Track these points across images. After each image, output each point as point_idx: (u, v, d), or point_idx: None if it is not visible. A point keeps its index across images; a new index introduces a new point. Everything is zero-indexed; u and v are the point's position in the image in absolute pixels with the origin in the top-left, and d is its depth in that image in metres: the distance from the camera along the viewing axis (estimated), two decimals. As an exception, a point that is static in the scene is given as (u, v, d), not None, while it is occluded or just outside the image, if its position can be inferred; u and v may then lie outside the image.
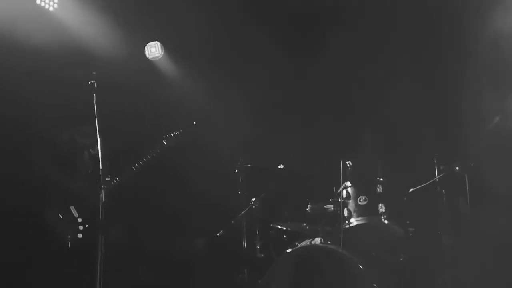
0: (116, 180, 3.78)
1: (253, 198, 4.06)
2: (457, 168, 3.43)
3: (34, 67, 4.01)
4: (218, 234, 4.01)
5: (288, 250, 3.60)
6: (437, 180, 3.49)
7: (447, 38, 4.17)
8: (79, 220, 3.69)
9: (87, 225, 3.68)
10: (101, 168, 3.14)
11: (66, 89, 3.94)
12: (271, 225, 4.02)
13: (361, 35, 4.38)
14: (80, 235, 3.66)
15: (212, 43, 4.74)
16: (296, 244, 3.69)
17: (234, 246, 4.09)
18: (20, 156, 3.88)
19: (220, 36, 4.70)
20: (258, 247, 4.01)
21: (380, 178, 3.64)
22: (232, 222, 4.03)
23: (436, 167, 3.52)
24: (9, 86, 3.93)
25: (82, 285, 3.11)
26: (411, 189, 3.61)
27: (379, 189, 3.60)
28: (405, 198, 3.63)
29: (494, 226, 3.47)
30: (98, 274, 2.89)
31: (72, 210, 3.71)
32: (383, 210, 3.53)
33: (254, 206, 4.04)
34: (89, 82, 3.33)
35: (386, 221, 3.53)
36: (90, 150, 3.33)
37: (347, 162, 3.71)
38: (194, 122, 4.15)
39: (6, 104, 3.91)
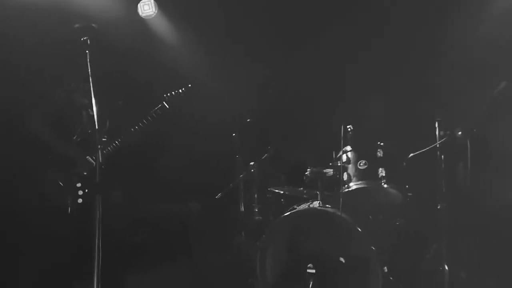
0: (116, 143, 3.68)
1: (251, 162, 4.04)
2: (459, 133, 3.39)
3: (26, 26, 3.84)
4: (216, 197, 3.99)
5: (286, 213, 3.60)
6: (438, 145, 3.46)
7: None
8: (78, 185, 3.61)
9: (86, 190, 3.60)
10: (97, 128, 3.04)
11: (60, 48, 3.79)
12: (269, 189, 4.01)
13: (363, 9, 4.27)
14: (80, 200, 3.59)
15: (210, 3, 4.57)
16: (295, 207, 3.68)
17: (231, 209, 4.09)
18: (15, 118, 3.76)
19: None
20: (255, 210, 4.01)
21: (380, 142, 3.61)
22: (230, 185, 4.01)
23: (437, 132, 3.49)
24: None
25: (82, 250, 3.07)
26: (411, 154, 3.59)
27: (380, 153, 3.57)
28: (405, 163, 3.61)
29: (493, 195, 3.49)
30: (97, 236, 2.85)
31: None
32: (383, 175, 3.52)
33: (252, 170, 4.02)
34: (82, 39, 3.19)
35: (385, 185, 3.51)
36: (89, 110, 3.19)
37: (348, 127, 3.67)
38: (190, 85, 4.02)
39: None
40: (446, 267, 3.43)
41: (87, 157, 3.65)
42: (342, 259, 3.37)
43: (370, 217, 3.74)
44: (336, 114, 3.96)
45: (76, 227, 3.47)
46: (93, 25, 3.28)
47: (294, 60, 4.55)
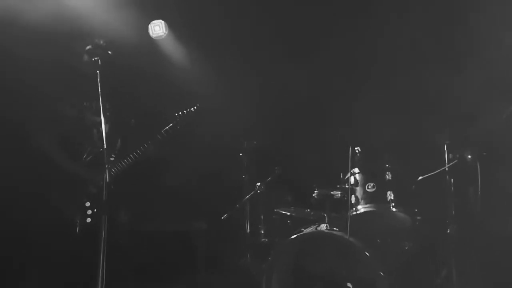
0: (124, 162, 3.68)
1: (258, 182, 4.02)
2: (469, 156, 3.36)
3: (39, 47, 3.91)
4: (222, 218, 3.97)
5: (293, 236, 3.56)
6: (447, 168, 3.43)
7: (462, 20, 4.07)
8: (87, 204, 3.61)
9: (95, 210, 3.59)
10: (105, 147, 3.05)
11: (72, 68, 3.84)
12: (275, 210, 3.98)
13: (374, 20, 4.29)
14: (88, 220, 3.59)
15: (218, 24, 4.63)
16: (302, 229, 3.64)
17: (238, 230, 4.05)
18: (26, 137, 3.80)
19: (226, 17, 4.60)
20: (262, 232, 3.97)
21: (389, 165, 3.57)
22: (237, 206, 3.98)
23: (446, 155, 3.45)
24: (12, 66, 3.85)
25: (90, 268, 3.06)
26: (420, 177, 3.55)
27: (388, 176, 3.53)
28: (414, 186, 3.57)
29: (504, 219, 3.42)
30: (102, 255, 2.84)
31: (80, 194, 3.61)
32: (392, 198, 3.47)
33: (258, 191, 4.00)
34: (93, 59, 3.24)
35: (394, 209, 3.47)
36: (100, 128, 3.21)
37: (355, 148, 3.64)
38: (198, 104, 4.04)
39: (11, 84, 3.83)
40: (457, 293, 3.36)
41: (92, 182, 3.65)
42: (349, 285, 3.31)
43: (378, 240, 3.68)
44: (344, 135, 3.94)
45: (84, 246, 3.46)
46: (103, 44, 3.34)
47: (302, 79, 4.56)
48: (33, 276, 3.71)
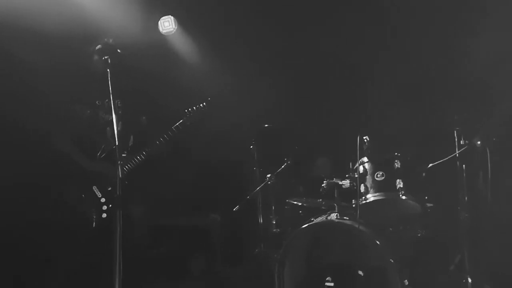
0: (137, 158, 3.77)
1: (269, 174, 4.06)
2: (478, 142, 3.33)
3: (51, 49, 4.00)
4: (234, 210, 4.03)
5: (304, 225, 3.60)
6: (457, 155, 3.40)
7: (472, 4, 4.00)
8: (103, 200, 3.72)
9: (110, 205, 3.70)
10: (117, 144, 3.13)
11: (84, 68, 3.92)
12: (287, 200, 4.02)
13: (381, 9, 4.25)
14: (104, 215, 3.70)
15: (227, 16, 4.66)
16: (312, 219, 3.68)
17: (250, 221, 4.11)
18: (41, 135, 3.91)
19: (236, 11, 4.62)
20: (273, 222, 4.02)
21: (398, 153, 3.57)
22: (248, 197, 4.04)
23: (456, 142, 3.42)
24: (25, 68, 3.95)
25: (105, 264, 3.16)
26: (430, 164, 3.53)
27: (397, 164, 3.52)
28: (424, 174, 3.55)
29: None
30: (117, 250, 2.93)
31: (95, 190, 3.73)
32: (401, 186, 3.46)
33: (269, 182, 4.04)
34: (103, 58, 3.31)
35: (403, 197, 3.47)
36: (112, 126, 3.30)
37: (364, 137, 3.64)
38: (209, 98, 4.09)
39: (24, 84, 3.94)
40: (470, 280, 3.37)
41: (94, 187, 3.75)
42: (360, 272, 3.34)
43: (391, 229, 3.69)
44: (352, 124, 3.94)
45: (100, 241, 3.57)
46: (113, 44, 3.40)
47: (311, 70, 4.56)
48: (52, 271, 3.84)
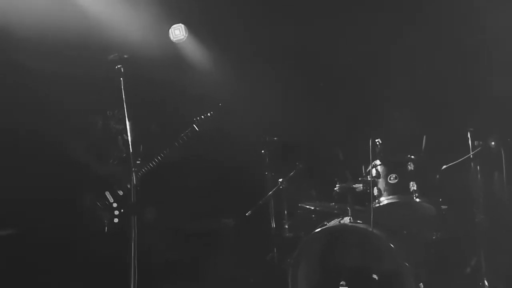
0: (149, 165, 3.83)
1: (280, 178, 4.06)
2: (493, 143, 3.29)
3: (64, 60, 4.07)
4: (246, 214, 4.03)
5: (317, 229, 3.58)
6: (471, 156, 3.37)
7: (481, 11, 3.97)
8: (115, 205, 3.77)
9: (122, 210, 3.75)
10: (131, 151, 3.17)
11: (97, 78, 3.99)
12: (299, 204, 4.01)
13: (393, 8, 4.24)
14: (116, 220, 3.75)
15: (237, 26, 4.69)
16: (325, 223, 3.66)
17: (262, 226, 4.11)
18: (55, 144, 3.98)
19: (246, 18, 4.65)
20: (286, 227, 4.01)
21: (411, 155, 3.54)
22: (260, 202, 4.04)
23: (470, 143, 3.39)
24: (40, 76, 4.03)
25: (119, 268, 3.19)
26: (444, 166, 3.50)
27: (410, 166, 3.50)
28: (438, 176, 3.52)
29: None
30: (133, 254, 2.96)
31: (107, 195, 3.80)
32: (415, 188, 3.44)
33: (281, 186, 4.04)
34: (116, 67, 3.36)
35: (417, 199, 3.44)
36: (124, 135, 3.39)
37: (376, 140, 3.63)
38: (220, 104, 4.13)
39: (39, 95, 4.02)
40: (486, 282, 3.32)
41: (106, 192, 3.81)
42: (375, 276, 3.31)
43: (405, 232, 3.66)
44: (364, 127, 3.93)
45: (113, 246, 3.61)
46: (125, 56, 3.45)
47: (323, 73, 4.56)
48: (65, 277, 3.88)
